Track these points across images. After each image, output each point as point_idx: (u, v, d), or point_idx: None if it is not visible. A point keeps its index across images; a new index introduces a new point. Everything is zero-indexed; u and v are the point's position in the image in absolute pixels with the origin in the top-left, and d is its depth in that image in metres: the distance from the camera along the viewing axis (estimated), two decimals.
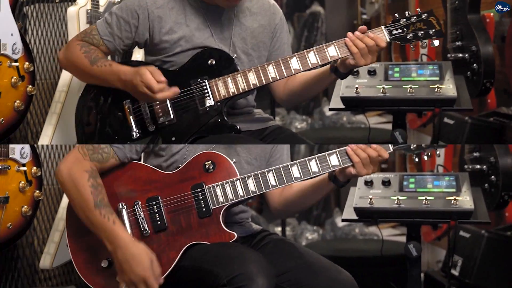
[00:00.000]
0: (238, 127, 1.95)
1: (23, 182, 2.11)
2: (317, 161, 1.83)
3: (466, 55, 2.70)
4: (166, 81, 1.89)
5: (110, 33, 1.97)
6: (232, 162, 1.86)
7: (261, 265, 1.73)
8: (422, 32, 1.92)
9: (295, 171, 1.84)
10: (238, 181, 1.85)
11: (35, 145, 2.21)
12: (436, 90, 2.31)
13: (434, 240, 3.29)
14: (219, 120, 1.94)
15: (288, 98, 2.10)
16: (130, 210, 1.86)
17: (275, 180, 1.84)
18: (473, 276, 2.70)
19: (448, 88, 2.32)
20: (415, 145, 1.84)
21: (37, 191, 2.16)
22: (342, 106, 2.38)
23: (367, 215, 2.31)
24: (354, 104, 2.37)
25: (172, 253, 1.83)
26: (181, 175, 1.87)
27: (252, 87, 1.94)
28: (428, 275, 3.07)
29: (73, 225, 1.88)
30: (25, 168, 2.12)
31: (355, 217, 2.32)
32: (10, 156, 2.07)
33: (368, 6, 4.19)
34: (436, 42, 1.92)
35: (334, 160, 1.83)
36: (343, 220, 2.38)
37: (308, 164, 1.83)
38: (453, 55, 2.75)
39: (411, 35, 1.91)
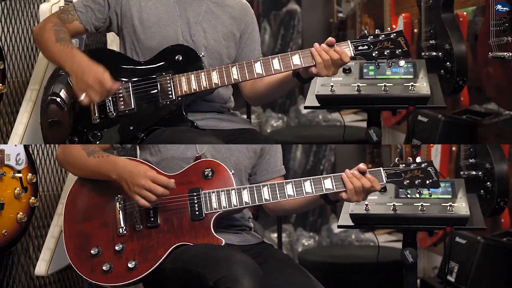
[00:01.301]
0: (196, 124, 2.00)
1: (18, 188, 2.10)
2: (312, 182, 1.88)
3: (440, 53, 2.73)
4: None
5: (85, 5, 2.03)
6: (231, 173, 1.91)
7: (247, 266, 1.74)
8: (388, 51, 1.95)
9: (289, 189, 1.88)
10: (233, 191, 1.89)
11: (31, 151, 2.20)
12: (410, 88, 2.33)
13: (430, 246, 3.30)
14: (177, 114, 1.99)
15: (254, 97, 2.15)
16: (127, 204, 1.91)
17: (269, 195, 1.88)
18: (469, 282, 2.70)
19: (422, 86, 2.34)
20: (408, 181, 1.88)
21: (33, 198, 2.16)
22: (318, 104, 2.40)
23: (363, 222, 2.32)
24: (330, 102, 2.39)
25: (160, 250, 1.87)
26: (180, 178, 1.91)
27: (214, 86, 1.99)
28: (424, 281, 3.07)
29: (71, 211, 1.93)
30: (20, 175, 2.11)
31: (351, 223, 2.33)
32: (6, 162, 2.06)
33: (344, 5, 4.21)
34: (402, 63, 1.96)
35: (328, 184, 1.87)
36: (339, 227, 2.38)
37: (302, 184, 1.88)
38: (427, 54, 2.78)
39: (376, 52, 1.95)
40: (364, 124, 2.50)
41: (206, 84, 1.98)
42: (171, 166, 1.94)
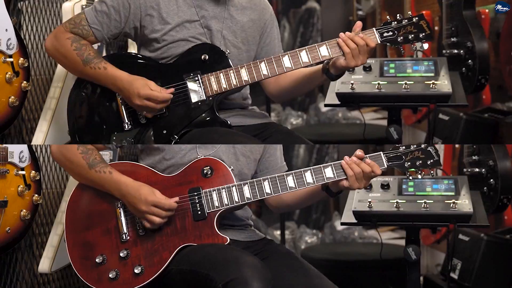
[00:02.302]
0: (229, 123, 1.98)
1: (21, 186, 2.11)
2: (312, 172, 1.86)
3: (461, 51, 2.72)
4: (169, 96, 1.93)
5: (100, 21, 1.98)
6: (230, 169, 1.89)
7: (257, 269, 1.73)
8: (412, 35, 1.95)
9: (290, 181, 1.87)
10: (234, 188, 1.88)
11: (34, 149, 2.21)
12: (431, 86, 2.32)
13: (433, 243, 3.29)
14: (210, 114, 1.97)
15: (278, 94, 2.13)
16: (127, 209, 1.90)
17: (270, 188, 1.87)
18: (472, 280, 2.69)
19: (443, 84, 2.33)
20: (409, 163, 1.87)
21: (36, 195, 2.16)
22: (338, 102, 2.39)
23: (366, 219, 2.31)
24: (350, 100, 2.38)
25: (165, 253, 1.86)
26: (180, 179, 1.90)
27: (244, 84, 1.97)
28: (427, 278, 3.06)
29: (73, 220, 1.93)
30: (23, 172, 2.11)
31: (354, 220, 2.32)
32: (9, 160, 2.07)
33: (364, 2, 4.20)
34: (426, 46, 1.97)
35: (329, 172, 1.86)
36: (342, 224, 2.38)
37: (303, 175, 1.86)
38: (448, 51, 2.77)
39: (401, 38, 1.95)
40: (384, 123, 2.50)
41: (236, 82, 1.96)
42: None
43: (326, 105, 2.46)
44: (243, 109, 2.10)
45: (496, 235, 2.76)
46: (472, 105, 2.95)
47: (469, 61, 2.68)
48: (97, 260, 1.88)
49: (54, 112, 2.24)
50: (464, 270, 2.74)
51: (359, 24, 1.94)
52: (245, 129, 2.04)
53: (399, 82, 2.35)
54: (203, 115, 1.97)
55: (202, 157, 1.92)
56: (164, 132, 1.97)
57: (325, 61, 1.98)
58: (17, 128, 2.26)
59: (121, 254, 1.87)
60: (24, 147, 2.13)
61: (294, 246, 3.86)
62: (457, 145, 3.04)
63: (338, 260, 3.35)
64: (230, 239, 1.87)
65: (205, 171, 1.90)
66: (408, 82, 2.34)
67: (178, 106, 1.97)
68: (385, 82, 2.36)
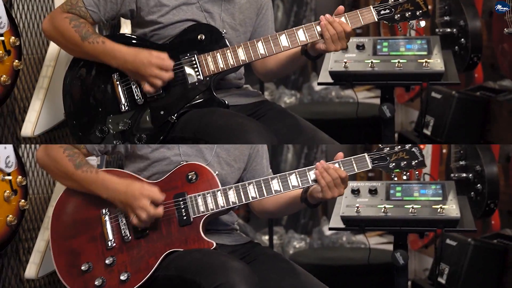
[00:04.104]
0: (227, 103, 1.98)
1: (8, 191, 2.09)
2: (297, 175, 1.86)
3: (454, 29, 2.74)
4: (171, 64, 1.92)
5: (96, 3, 1.98)
6: (215, 174, 1.89)
7: (244, 273, 1.73)
8: (409, 13, 1.96)
9: (275, 184, 1.87)
10: (219, 192, 1.88)
11: (20, 154, 2.19)
12: (424, 64, 2.34)
13: (421, 248, 3.30)
14: (207, 95, 1.96)
15: (265, 74, 2.15)
16: (112, 216, 1.90)
17: (255, 192, 1.87)
18: (459, 284, 2.71)
19: (436, 62, 2.35)
20: (393, 164, 1.87)
21: (22, 201, 2.14)
22: (331, 81, 2.40)
23: (354, 224, 2.32)
24: (343, 79, 2.40)
25: (151, 259, 1.85)
26: (164, 185, 1.89)
27: (241, 63, 1.97)
28: (415, 283, 3.07)
29: (58, 228, 1.92)
30: (10, 177, 2.10)
31: (342, 225, 2.33)
32: None
33: None
34: (422, 23, 1.99)
35: (313, 175, 1.85)
36: (330, 229, 2.39)
37: (288, 178, 1.86)
38: (441, 30, 2.79)
39: (398, 15, 1.96)
40: (377, 101, 2.51)
41: (234, 62, 1.96)
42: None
43: (319, 84, 2.48)
44: (238, 88, 2.11)
45: (484, 240, 2.78)
46: (464, 84, 2.98)
47: (462, 39, 2.70)
48: (83, 267, 1.87)
49: (46, 91, 2.22)
50: (452, 274, 2.75)
51: (340, 9, 1.95)
52: (241, 108, 2.05)
53: (392, 61, 2.37)
54: (201, 95, 1.97)
55: (186, 162, 1.91)
56: (162, 113, 1.96)
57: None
58: (9, 107, 2.23)
59: (107, 261, 1.86)
60: (10, 152, 2.11)
61: (282, 251, 3.86)
62: (444, 150, 3.06)
63: (326, 265, 3.35)
64: (216, 243, 1.86)
65: (189, 176, 1.89)
66: (401, 61, 2.36)
67: (175, 86, 1.96)
68: (378, 61, 2.38)
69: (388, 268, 2.45)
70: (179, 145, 1.93)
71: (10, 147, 2.11)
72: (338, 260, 3.46)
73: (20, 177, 2.14)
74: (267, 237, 3.70)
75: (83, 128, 2.01)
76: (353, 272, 3.26)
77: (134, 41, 2.00)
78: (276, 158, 3.97)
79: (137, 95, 1.96)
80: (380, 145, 1.90)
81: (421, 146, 1.93)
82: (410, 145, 1.88)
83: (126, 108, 1.97)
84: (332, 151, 4.10)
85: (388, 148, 1.88)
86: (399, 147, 1.88)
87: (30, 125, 2.19)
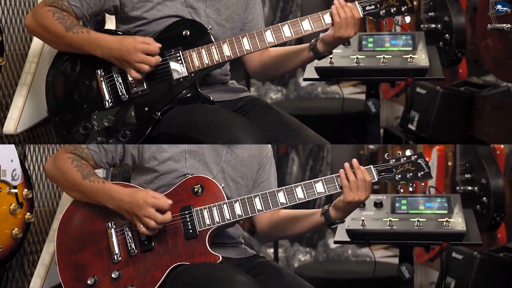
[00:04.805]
0: (212, 99, 1.97)
1: (14, 204, 2.10)
2: (303, 187, 1.86)
3: (439, 25, 2.78)
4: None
5: None
6: (220, 187, 1.89)
7: (250, 287, 1.72)
8: (394, 9, 1.97)
9: (281, 197, 1.86)
10: (225, 205, 1.87)
11: (27, 167, 2.20)
12: (408, 60, 2.36)
13: (427, 261, 3.29)
14: (192, 91, 1.96)
15: (261, 71, 2.12)
16: (118, 229, 1.89)
17: (261, 205, 1.86)
18: None
19: (421, 58, 2.37)
20: (399, 176, 1.87)
21: (28, 214, 2.15)
22: (317, 77, 2.41)
23: (359, 237, 2.31)
24: (329, 74, 2.41)
25: (157, 272, 1.85)
26: (171, 197, 1.88)
27: (226, 59, 1.96)
28: None
29: (64, 241, 1.91)
30: (16, 190, 2.10)
31: (347, 238, 2.32)
32: (1, 178, 2.06)
33: None
34: (408, 19, 1.99)
35: (319, 187, 1.86)
36: (335, 242, 2.38)
37: (294, 190, 1.86)
38: (426, 26, 2.82)
39: (383, 11, 1.97)
40: (363, 97, 2.54)
41: (218, 58, 1.95)
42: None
43: (305, 79, 2.48)
44: (224, 84, 2.10)
45: (490, 253, 2.76)
46: (448, 79, 3.03)
47: (446, 35, 2.73)
48: (89, 281, 1.86)
49: (29, 88, 2.20)
50: None
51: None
52: (226, 104, 2.04)
53: (377, 56, 2.39)
54: (185, 91, 1.96)
55: (191, 175, 1.91)
56: (146, 109, 1.95)
57: (314, 39, 1.99)
58: None
59: (113, 275, 1.86)
60: (17, 165, 2.12)
61: (287, 264, 3.85)
62: (450, 163, 3.06)
63: (332, 279, 3.34)
64: (222, 257, 1.86)
65: (195, 189, 1.89)
66: (386, 56, 2.37)
67: (160, 82, 1.95)
68: (364, 56, 2.40)
69: (393, 282, 2.44)
70: (186, 158, 1.93)
71: (16, 160, 2.11)
72: (343, 273, 3.45)
73: (26, 190, 2.14)
74: (272, 250, 3.69)
75: (67, 125, 2.00)
76: (359, 285, 3.25)
77: (112, 33, 1.98)
78: (281, 170, 3.98)
79: (121, 91, 1.95)
80: (386, 155, 1.89)
81: (426, 158, 1.92)
82: (415, 156, 1.88)
83: (110, 105, 1.96)
84: (338, 163, 4.11)
85: (394, 160, 1.88)
86: (405, 158, 1.88)
87: (13, 122, 2.17)
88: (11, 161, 2.11)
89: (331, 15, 1.94)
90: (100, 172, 2.25)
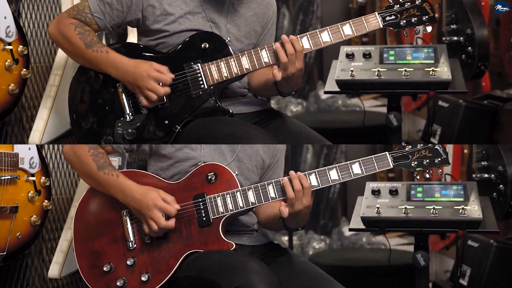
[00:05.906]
0: (231, 111, 1.98)
1: (32, 192, 2.12)
2: (317, 175, 1.85)
3: (461, 38, 2.74)
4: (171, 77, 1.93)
5: (102, 10, 1.98)
6: (234, 174, 1.89)
7: (263, 274, 1.73)
8: (415, 19, 1.94)
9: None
10: (238, 193, 1.87)
11: (44, 155, 2.22)
12: (430, 73, 2.33)
13: (442, 249, 3.28)
14: (212, 104, 1.96)
15: (253, 91, 2.15)
16: (133, 217, 1.91)
17: (274, 192, 1.86)
18: (482, 286, 2.68)
19: (443, 71, 2.34)
20: (416, 162, 1.84)
21: (46, 201, 2.17)
22: (337, 89, 2.40)
23: (374, 225, 2.31)
24: (349, 87, 2.39)
25: (171, 260, 1.86)
26: (184, 185, 1.90)
27: (245, 72, 1.96)
28: (436, 284, 3.05)
29: (80, 229, 1.94)
30: (34, 178, 2.12)
31: (362, 226, 2.32)
32: (19, 166, 2.08)
33: None
34: (429, 29, 1.96)
35: (333, 174, 1.85)
36: (350, 230, 2.38)
37: (308, 178, 1.85)
38: (448, 38, 2.79)
39: (404, 21, 1.94)
40: (384, 110, 2.50)
41: (237, 70, 1.95)
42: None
43: (326, 92, 2.47)
44: (243, 96, 2.11)
45: (506, 241, 2.75)
46: (471, 92, 2.98)
47: (469, 48, 2.70)
48: (104, 268, 1.89)
49: (54, 100, 2.24)
50: (474, 276, 2.73)
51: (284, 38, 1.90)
52: (245, 116, 2.05)
53: (398, 69, 2.36)
54: (205, 104, 1.97)
55: (204, 163, 1.92)
56: (166, 122, 1.97)
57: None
58: (17, 116, 2.26)
59: (128, 262, 1.88)
60: (34, 153, 2.14)
61: (302, 252, 3.86)
62: (466, 151, 3.04)
63: (346, 266, 3.34)
64: (236, 244, 1.87)
65: (209, 177, 1.90)
66: (407, 69, 2.35)
67: (179, 96, 1.96)
68: (385, 69, 2.38)
69: (409, 270, 2.43)
70: (201, 145, 1.94)
71: (34, 148, 2.13)
72: (358, 261, 3.45)
73: (43, 177, 2.16)
74: (286, 238, 3.70)
75: (89, 138, 2.02)
76: (373, 273, 3.25)
77: (139, 50, 2.01)
78: (296, 159, 3.97)
79: (140, 103, 1.96)
80: (403, 143, 1.88)
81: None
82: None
83: (131, 118, 1.97)
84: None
85: (410, 147, 1.86)
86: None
87: (38, 134, 2.22)
88: (29, 149, 2.13)
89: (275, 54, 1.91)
90: (116, 160, 2.26)
